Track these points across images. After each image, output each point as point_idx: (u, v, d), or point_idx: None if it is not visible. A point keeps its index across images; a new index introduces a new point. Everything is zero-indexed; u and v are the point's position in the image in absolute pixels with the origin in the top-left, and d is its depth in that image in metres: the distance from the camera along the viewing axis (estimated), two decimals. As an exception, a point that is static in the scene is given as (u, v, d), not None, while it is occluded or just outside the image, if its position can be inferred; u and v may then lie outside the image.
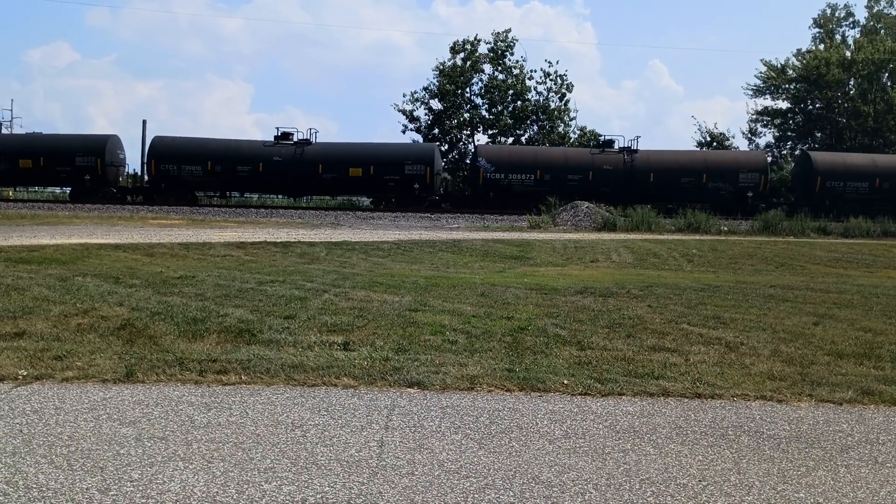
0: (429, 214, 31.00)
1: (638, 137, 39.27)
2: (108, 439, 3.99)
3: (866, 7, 50.48)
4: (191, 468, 3.62)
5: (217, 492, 3.36)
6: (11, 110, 76.19)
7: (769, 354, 6.27)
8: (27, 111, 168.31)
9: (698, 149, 43.20)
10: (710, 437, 4.31)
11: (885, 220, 27.15)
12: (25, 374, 5.13)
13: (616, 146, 35.35)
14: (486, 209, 32.31)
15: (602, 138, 37.47)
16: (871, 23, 50.09)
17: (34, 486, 3.37)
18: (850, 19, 50.78)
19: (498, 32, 46.73)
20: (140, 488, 3.38)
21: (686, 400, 5.03)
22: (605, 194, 31.60)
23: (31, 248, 12.89)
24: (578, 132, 45.89)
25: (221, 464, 3.69)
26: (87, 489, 3.35)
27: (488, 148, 38.12)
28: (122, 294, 8.11)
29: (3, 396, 4.68)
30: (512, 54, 46.62)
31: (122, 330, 6.42)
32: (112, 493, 3.32)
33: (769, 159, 39.96)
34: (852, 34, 50.18)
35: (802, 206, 32.09)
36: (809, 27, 52.96)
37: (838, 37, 50.16)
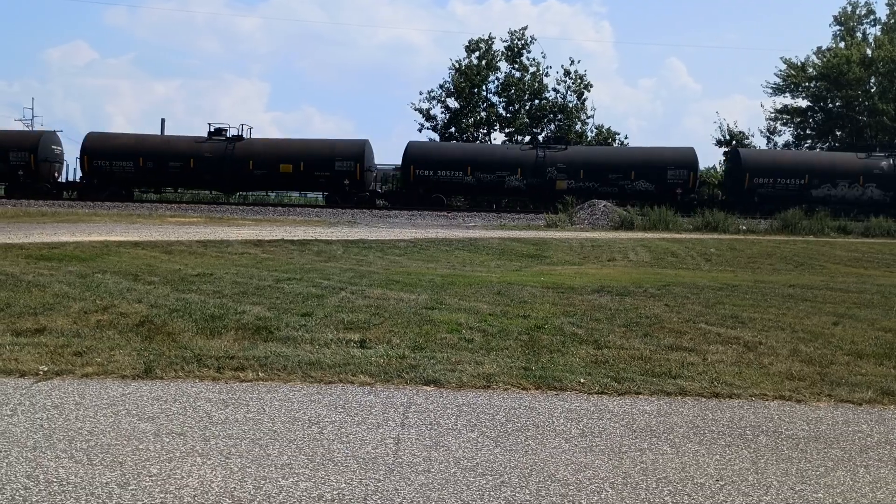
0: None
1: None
2: (127, 434, 4.02)
3: (887, 4, 49.84)
4: (208, 464, 3.65)
5: (234, 487, 3.38)
6: (32, 109, 76.84)
7: (788, 354, 6.22)
8: (47, 110, 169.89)
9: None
10: (728, 437, 4.28)
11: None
12: (46, 369, 5.18)
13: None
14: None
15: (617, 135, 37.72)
16: (893, 20, 49.48)
17: (54, 480, 3.41)
18: (871, 17, 50.22)
19: (514, 30, 46.72)
20: (159, 483, 3.41)
21: (703, 399, 5.01)
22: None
23: (51, 246, 13.01)
24: (595, 131, 45.80)
25: (239, 460, 3.71)
26: (106, 483, 3.39)
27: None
28: (140, 291, 8.17)
29: (24, 392, 4.73)
30: (528, 52, 46.59)
31: (141, 327, 6.47)
32: (131, 487, 3.35)
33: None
34: (873, 32, 49.65)
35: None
36: (830, 25, 52.28)
37: (859, 34, 49.60)
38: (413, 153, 34.64)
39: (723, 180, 38.03)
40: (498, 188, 34.44)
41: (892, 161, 33.75)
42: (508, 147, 38.69)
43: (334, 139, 35.74)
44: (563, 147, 35.04)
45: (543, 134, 45.66)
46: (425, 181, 33.86)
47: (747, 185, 33.20)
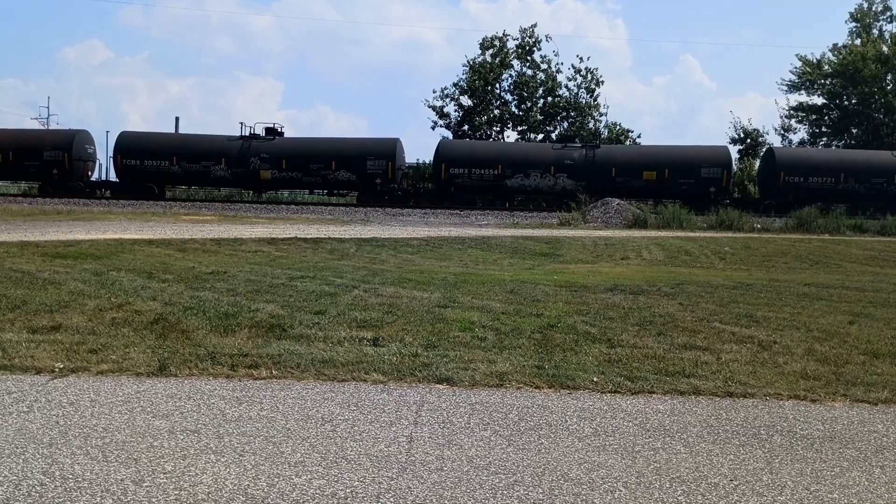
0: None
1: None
2: (141, 431, 4.05)
3: (904, 1, 49.55)
4: (222, 461, 3.67)
5: (248, 485, 3.40)
6: (48, 108, 77.43)
7: (803, 353, 6.18)
8: (63, 109, 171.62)
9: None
10: (742, 437, 4.26)
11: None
12: (62, 366, 5.22)
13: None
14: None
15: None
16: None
17: (70, 476, 3.44)
18: (888, 13, 49.78)
19: (524, 28, 46.64)
20: (173, 480, 3.43)
21: (717, 399, 4.98)
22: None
23: (66, 244, 13.11)
24: (607, 129, 45.65)
25: (252, 457, 3.73)
26: (121, 480, 3.41)
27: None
28: (155, 289, 8.22)
29: (40, 388, 4.77)
30: (539, 49, 46.49)
31: (156, 324, 6.50)
32: (146, 484, 3.37)
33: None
34: (889, 29, 49.22)
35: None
36: (846, 21, 51.89)
37: (875, 31, 49.18)
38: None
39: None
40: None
41: None
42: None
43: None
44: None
45: (557, 132, 45.60)
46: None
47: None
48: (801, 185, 33.11)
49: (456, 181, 33.85)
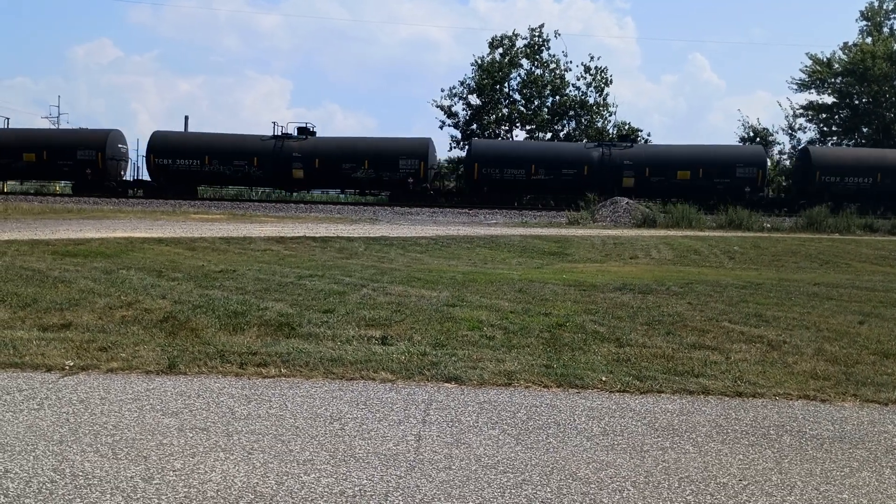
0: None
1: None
2: (151, 429, 4.07)
3: (915, 0, 49.14)
4: (231, 459, 3.68)
5: (257, 482, 3.41)
6: (59, 106, 77.86)
7: (812, 353, 6.16)
8: (72, 107, 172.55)
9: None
10: (752, 437, 4.25)
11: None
12: (72, 364, 5.25)
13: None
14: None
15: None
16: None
17: (80, 473, 3.45)
18: (900, 12, 49.44)
19: (533, 28, 46.58)
20: (182, 478, 3.44)
21: (727, 398, 4.97)
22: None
23: (77, 242, 13.16)
24: (616, 128, 45.53)
25: (261, 455, 3.74)
26: (131, 477, 3.42)
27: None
28: (164, 287, 8.25)
29: (50, 386, 4.80)
30: (548, 48, 46.41)
31: (165, 322, 6.53)
32: (155, 481, 3.39)
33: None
34: (901, 27, 48.88)
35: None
36: (857, 20, 51.54)
37: (886, 30, 48.87)
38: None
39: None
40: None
41: None
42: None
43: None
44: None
45: (564, 131, 45.51)
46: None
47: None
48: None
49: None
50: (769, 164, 37.13)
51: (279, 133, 35.27)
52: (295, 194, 36.59)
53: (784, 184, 38.65)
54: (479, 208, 31.59)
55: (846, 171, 33.13)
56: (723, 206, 26.66)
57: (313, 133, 35.68)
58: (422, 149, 34.37)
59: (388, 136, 37.03)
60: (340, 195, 38.15)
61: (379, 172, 33.93)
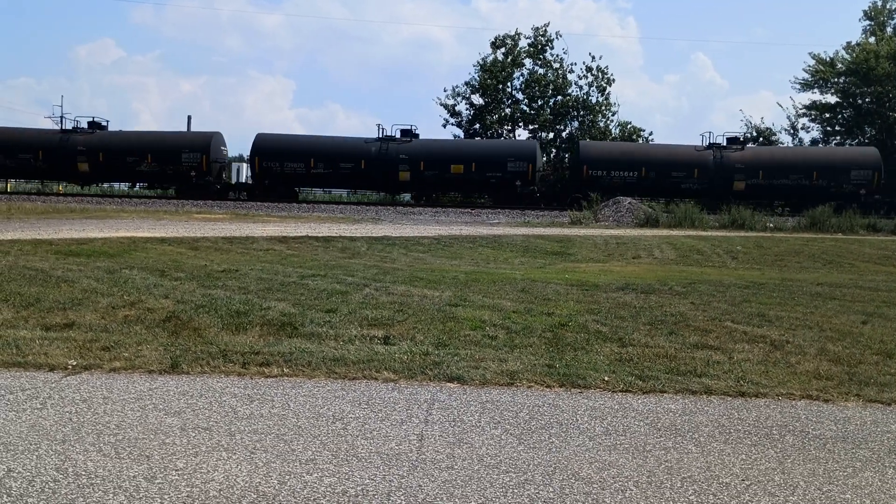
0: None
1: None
2: (154, 429, 4.07)
3: (919, -1, 49.00)
4: (234, 458, 3.68)
5: (259, 482, 3.41)
6: (62, 106, 77.98)
7: (815, 353, 6.15)
8: (75, 107, 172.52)
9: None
10: (754, 437, 4.24)
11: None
12: (75, 363, 5.26)
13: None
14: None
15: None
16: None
17: (83, 472, 3.46)
18: (903, 11, 49.33)
19: (537, 27, 46.55)
20: (185, 477, 3.44)
21: (729, 398, 4.96)
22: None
23: (80, 242, 13.18)
24: (619, 127, 45.49)
25: (264, 455, 3.74)
26: (133, 477, 3.43)
27: None
28: (167, 287, 8.26)
29: (53, 385, 4.81)
30: (552, 48, 46.39)
31: (168, 322, 6.53)
32: (158, 481, 3.39)
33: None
34: (904, 27, 48.77)
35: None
36: (860, 19, 51.41)
37: (889, 29, 48.77)
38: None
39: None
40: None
41: None
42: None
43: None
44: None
45: (567, 131, 45.48)
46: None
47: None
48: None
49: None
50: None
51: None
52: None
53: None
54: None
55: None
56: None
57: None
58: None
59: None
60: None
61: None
